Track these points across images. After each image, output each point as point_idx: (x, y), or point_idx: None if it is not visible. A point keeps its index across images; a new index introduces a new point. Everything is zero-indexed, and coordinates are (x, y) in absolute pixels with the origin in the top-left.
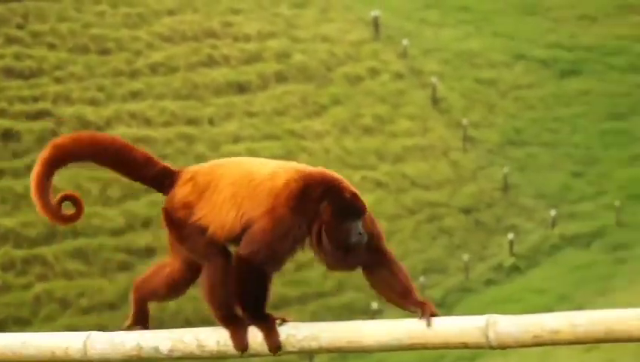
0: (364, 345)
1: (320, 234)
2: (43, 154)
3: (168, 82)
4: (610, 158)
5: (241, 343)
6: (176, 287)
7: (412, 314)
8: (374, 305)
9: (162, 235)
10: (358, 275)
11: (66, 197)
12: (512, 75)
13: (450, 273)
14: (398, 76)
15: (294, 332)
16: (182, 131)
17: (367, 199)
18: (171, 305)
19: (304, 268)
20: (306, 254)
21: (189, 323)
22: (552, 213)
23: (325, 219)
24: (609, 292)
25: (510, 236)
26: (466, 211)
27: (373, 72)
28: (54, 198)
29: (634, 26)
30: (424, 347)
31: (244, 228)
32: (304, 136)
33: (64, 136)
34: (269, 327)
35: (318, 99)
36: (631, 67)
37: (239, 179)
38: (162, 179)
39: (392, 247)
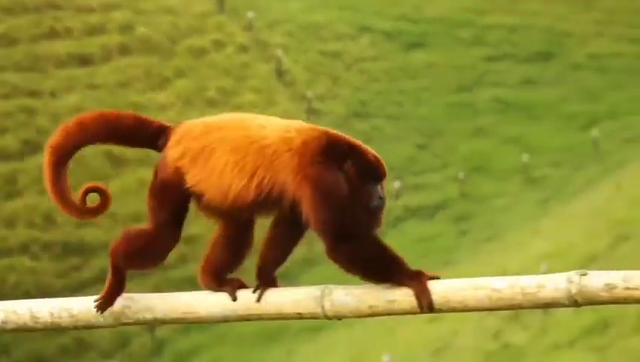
0: (200, 316)
1: None
2: (45, 159)
3: (9, 54)
4: (454, 131)
5: (103, 307)
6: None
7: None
8: None
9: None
10: (201, 248)
11: (89, 190)
12: (357, 48)
13: None
14: (243, 49)
15: (129, 304)
16: (23, 103)
17: None
18: (11, 278)
19: None
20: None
21: (29, 295)
22: (397, 184)
23: (348, 178)
24: (452, 263)
25: None
26: None
27: (218, 45)
28: (77, 193)
29: None
30: (260, 318)
31: (271, 194)
32: (148, 108)
33: (55, 134)
34: (418, 286)
35: (162, 72)
36: (476, 40)
37: (242, 145)
38: (156, 139)
39: None
